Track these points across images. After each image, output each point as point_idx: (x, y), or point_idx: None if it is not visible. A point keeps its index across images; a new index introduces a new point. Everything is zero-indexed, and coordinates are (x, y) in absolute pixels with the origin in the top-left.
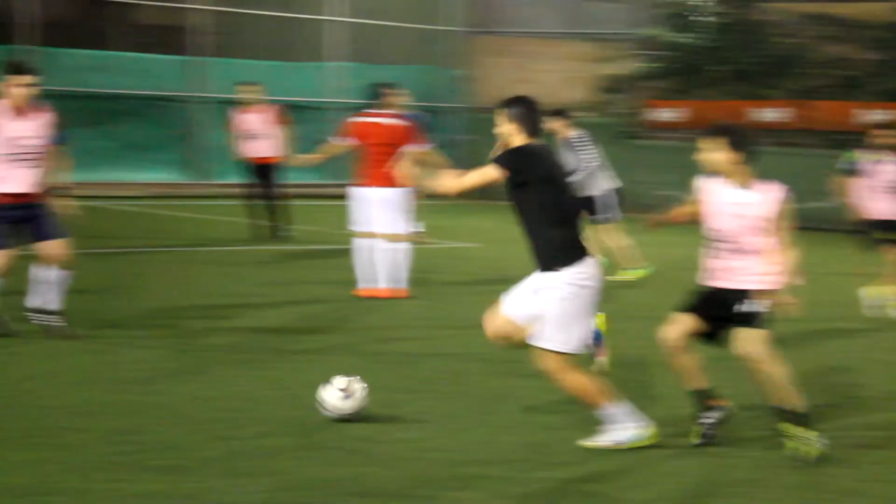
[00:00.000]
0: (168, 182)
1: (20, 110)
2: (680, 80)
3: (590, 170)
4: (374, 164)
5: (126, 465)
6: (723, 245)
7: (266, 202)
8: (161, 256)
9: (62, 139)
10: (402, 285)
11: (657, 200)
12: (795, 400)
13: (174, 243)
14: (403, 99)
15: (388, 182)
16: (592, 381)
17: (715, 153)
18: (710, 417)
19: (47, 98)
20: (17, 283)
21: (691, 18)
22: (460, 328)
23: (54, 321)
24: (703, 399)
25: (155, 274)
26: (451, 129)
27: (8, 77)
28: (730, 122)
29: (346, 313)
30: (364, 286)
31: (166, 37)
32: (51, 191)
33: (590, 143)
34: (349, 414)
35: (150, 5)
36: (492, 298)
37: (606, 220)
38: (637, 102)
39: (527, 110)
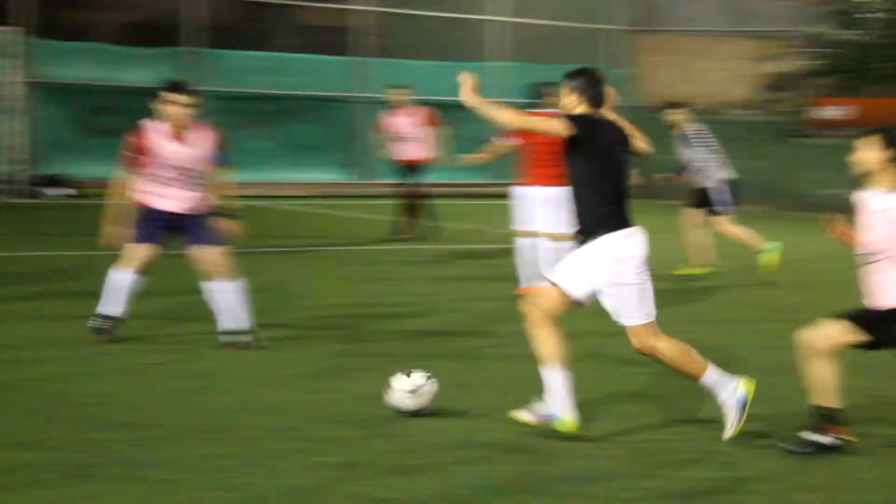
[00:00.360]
0: (333, 182)
1: (179, 131)
2: (846, 77)
3: (707, 162)
4: (537, 163)
5: (297, 462)
6: (876, 258)
7: (414, 202)
8: (325, 255)
9: (225, 160)
10: None
11: (822, 199)
12: None
13: (338, 242)
14: None
15: (551, 181)
16: (686, 349)
17: (866, 152)
18: (821, 439)
19: (214, 99)
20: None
21: (857, 15)
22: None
23: (245, 339)
24: (826, 421)
25: (319, 273)
26: None
27: (166, 96)
28: (892, 123)
29: (508, 314)
30: (526, 285)
31: (330, 38)
32: (213, 210)
33: (708, 135)
34: (411, 411)
35: (314, 6)
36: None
37: (722, 212)
38: (802, 100)
39: (588, 81)
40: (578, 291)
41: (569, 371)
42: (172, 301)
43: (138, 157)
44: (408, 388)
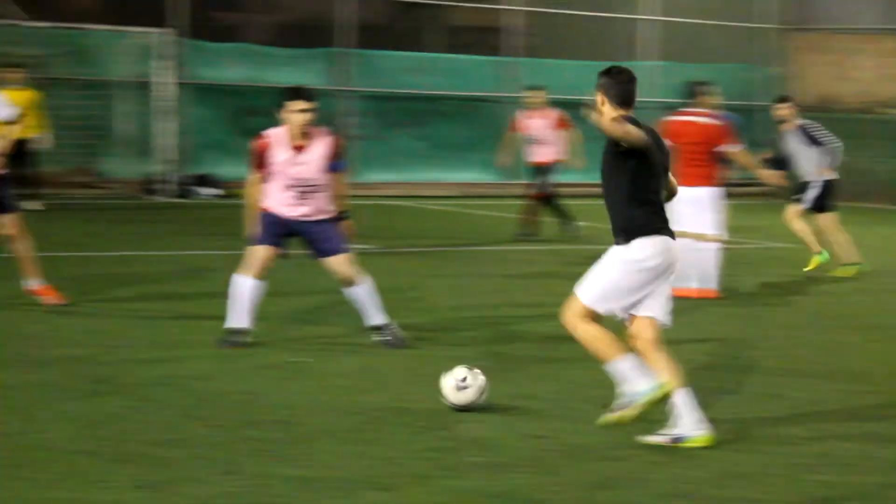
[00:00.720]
0: (481, 182)
1: (298, 139)
2: None
3: (811, 158)
4: (687, 163)
5: (441, 462)
6: None
7: (539, 203)
8: (472, 255)
9: (340, 166)
10: (712, 285)
11: None
12: None
13: (485, 242)
14: (717, 98)
15: (700, 181)
16: (605, 335)
17: None
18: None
19: (363, 99)
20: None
21: None
22: (775, 335)
23: (388, 335)
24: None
25: (466, 272)
26: (767, 129)
27: (287, 103)
28: None
29: None
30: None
31: (479, 37)
32: (332, 216)
33: (820, 130)
34: (461, 406)
35: (463, 6)
36: (809, 303)
37: (821, 210)
38: None
39: (610, 80)
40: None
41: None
42: (312, 300)
43: (260, 164)
44: (454, 384)
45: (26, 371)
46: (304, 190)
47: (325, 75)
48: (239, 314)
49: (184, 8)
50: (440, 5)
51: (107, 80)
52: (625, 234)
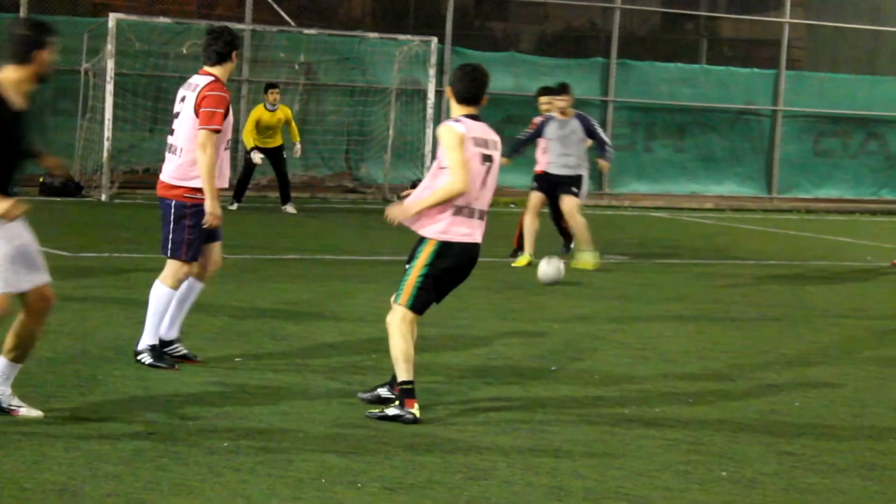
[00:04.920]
0: (747, 196)
1: None
2: None
3: None
4: None
5: (698, 476)
6: None
7: None
8: (730, 270)
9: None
10: None
11: None
12: None
13: (742, 256)
14: None
15: None
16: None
17: None
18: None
19: (630, 110)
20: None
21: None
22: None
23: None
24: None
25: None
26: None
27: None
28: None
29: None
30: None
31: (748, 50)
32: None
33: None
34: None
35: (733, 18)
36: None
37: None
38: None
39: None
40: None
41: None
42: None
43: None
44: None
45: None
46: None
47: (591, 85)
48: None
49: (451, 17)
50: (707, 16)
51: (375, 87)
52: None
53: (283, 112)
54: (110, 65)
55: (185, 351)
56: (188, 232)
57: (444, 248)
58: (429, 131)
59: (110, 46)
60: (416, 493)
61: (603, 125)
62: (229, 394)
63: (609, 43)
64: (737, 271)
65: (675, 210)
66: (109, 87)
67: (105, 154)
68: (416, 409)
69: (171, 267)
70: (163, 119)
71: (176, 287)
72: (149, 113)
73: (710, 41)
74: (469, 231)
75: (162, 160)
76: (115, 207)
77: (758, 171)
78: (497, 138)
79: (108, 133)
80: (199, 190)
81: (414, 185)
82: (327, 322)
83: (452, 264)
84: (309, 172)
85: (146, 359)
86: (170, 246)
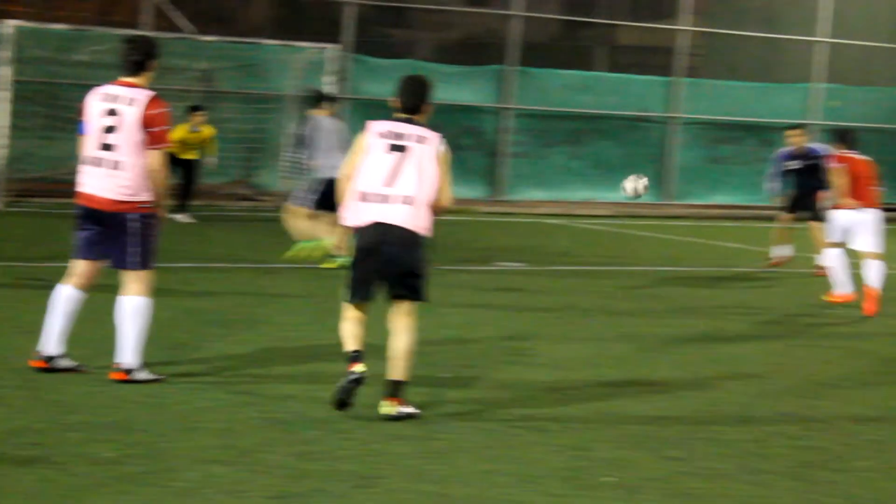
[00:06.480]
0: (640, 202)
1: None
2: None
3: None
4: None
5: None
6: None
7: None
8: (623, 275)
9: None
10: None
11: None
12: None
13: (635, 262)
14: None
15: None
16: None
17: None
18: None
19: (526, 117)
20: None
21: None
22: None
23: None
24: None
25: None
26: None
27: None
28: None
29: None
30: None
31: (644, 57)
32: None
33: None
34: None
35: (628, 25)
36: None
37: None
38: None
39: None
40: None
41: None
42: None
43: None
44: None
45: None
46: None
47: (490, 93)
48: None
49: (351, 24)
50: (605, 24)
51: (272, 94)
52: None
53: (208, 131)
54: (7, 72)
55: (72, 363)
56: (154, 241)
57: (356, 232)
58: None
59: (8, 53)
60: (302, 502)
61: (500, 132)
62: (116, 404)
63: (508, 50)
64: (630, 277)
65: (572, 217)
66: (6, 95)
67: (1, 162)
68: (356, 368)
69: (145, 278)
70: (60, 127)
71: (151, 296)
72: (44, 120)
73: (609, 49)
74: (379, 213)
75: (60, 167)
76: (10, 216)
77: (652, 177)
78: (425, 134)
79: (4, 141)
80: (149, 200)
81: None
82: (217, 330)
83: (364, 245)
84: (205, 181)
85: (142, 375)
86: (140, 258)
